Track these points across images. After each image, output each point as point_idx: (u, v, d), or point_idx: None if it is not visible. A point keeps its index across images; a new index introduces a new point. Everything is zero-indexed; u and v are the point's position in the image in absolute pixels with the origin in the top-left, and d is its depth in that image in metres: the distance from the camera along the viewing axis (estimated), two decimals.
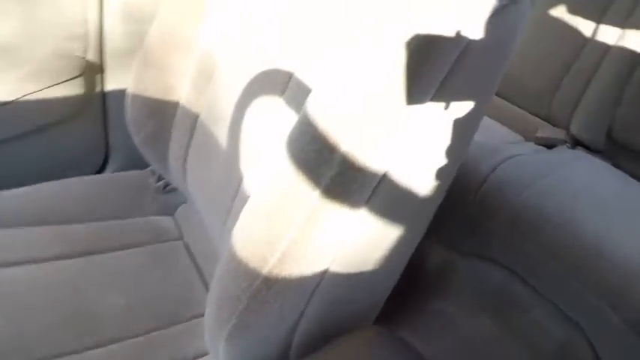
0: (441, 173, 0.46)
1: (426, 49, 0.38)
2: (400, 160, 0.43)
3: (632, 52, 1.05)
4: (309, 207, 0.41)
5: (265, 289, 0.43)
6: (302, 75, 0.53)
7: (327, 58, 0.49)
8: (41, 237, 0.74)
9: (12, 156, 1.00)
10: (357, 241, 0.46)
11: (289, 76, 0.54)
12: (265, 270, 0.43)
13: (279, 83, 0.56)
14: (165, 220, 0.84)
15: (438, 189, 0.47)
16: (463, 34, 0.38)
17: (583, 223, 0.77)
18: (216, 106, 0.70)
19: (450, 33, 0.38)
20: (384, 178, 0.43)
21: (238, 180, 0.60)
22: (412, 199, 0.46)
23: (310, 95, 0.44)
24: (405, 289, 0.62)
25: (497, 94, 1.22)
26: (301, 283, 0.45)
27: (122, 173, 0.96)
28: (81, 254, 0.72)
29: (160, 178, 0.89)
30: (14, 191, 0.82)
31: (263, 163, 0.56)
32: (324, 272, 0.46)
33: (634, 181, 0.97)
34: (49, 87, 0.98)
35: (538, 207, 0.79)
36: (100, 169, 1.12)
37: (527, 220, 0.79)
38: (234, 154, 0.62)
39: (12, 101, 0.95)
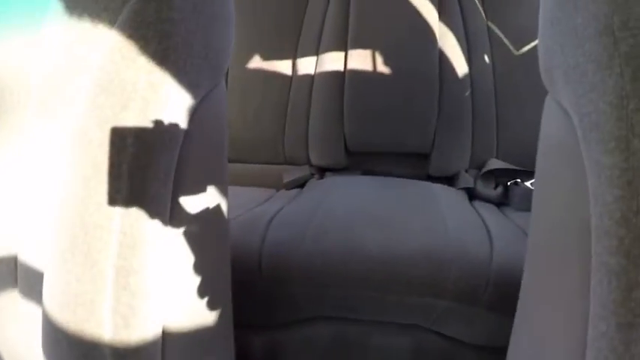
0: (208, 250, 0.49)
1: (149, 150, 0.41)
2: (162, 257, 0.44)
3: (333, 74, 1.17)
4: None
5: None
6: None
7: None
8: None
9: None
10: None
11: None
12: None
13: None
14: None
15: (221, 276, 0.51)
16: (181, 126, 0.42)
17: (362, 240, 0.79)
18: None
19: (165, 128, 0.41)
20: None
21: None
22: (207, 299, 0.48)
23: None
24: None
25: (236, 161, 1.23)
26: None
27: None
28: None
29: None
30: None
31: None
32: None
33: (384, 181, 1.09)
34: None
35: (322, 254, 0.79)
36: None
37: (318, 272, 0.78)
38: None
39: None
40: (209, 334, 0.52)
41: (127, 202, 0.40)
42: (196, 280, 0.48)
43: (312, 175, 1.20)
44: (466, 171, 1.18)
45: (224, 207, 0.52)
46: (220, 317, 0.53)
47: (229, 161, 0.55)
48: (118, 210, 0.40)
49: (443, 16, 1.16)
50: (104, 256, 0.40)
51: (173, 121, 0.42)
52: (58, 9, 0.47)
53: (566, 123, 0.39)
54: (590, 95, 0.35)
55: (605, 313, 0.32)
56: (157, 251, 0.42)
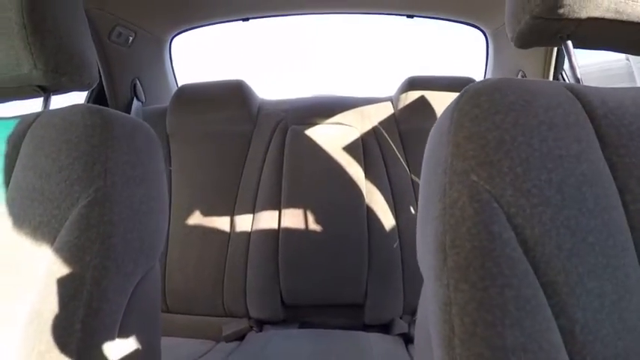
0: None
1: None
2: None
3: (268, 232, 1.24)
4: None
5: None
6: None
7: None
8: None
9: None
10: None
11: None
12: None
13: None
14: None
15: None
16: (119, 311, 0.49)
17: None
18: None
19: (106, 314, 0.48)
20: None
21: None
22: None
23: None
24: None
25: (176, 312, 1.26)
26: None
27: None
28: None
29: None
30: None
31: None
32: None
33: (320, 334, 1.14)
34: None
35: None
36: None
37: None
38: None
39: None
40: None
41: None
42: None
43: (252, 327, 1.22)
44: (400, 317, 1.21)
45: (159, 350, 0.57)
46: None
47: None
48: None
49: (369, 175, 1.27)
50: None
51: (113, 307, 0.49)
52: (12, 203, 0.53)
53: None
54: (431, 299, 0.41)
55: None
56: None
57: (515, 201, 0.37)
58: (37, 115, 0.56)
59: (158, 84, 1.64)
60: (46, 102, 0.61)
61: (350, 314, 1.24)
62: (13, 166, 0.53)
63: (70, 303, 0.48)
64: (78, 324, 0.48)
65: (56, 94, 0.62)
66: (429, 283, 0.41)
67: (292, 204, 1.24)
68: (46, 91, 0.61)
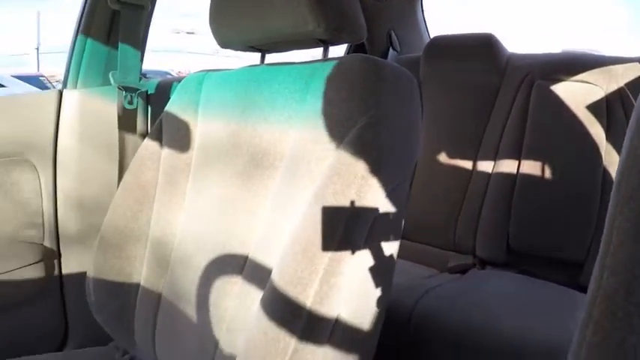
0: (376, 304, 0.62)
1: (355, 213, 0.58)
2: (346, 304, 0.58)
3: (507, 177, 1.30)
4: (290, 345, 0.56)
5: None
6: (255, 256, 0.67)
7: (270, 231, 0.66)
8: None
9: None
10: None
11: (245, 259, 0.69)
12: None
13: (237, 265, 0.69)
14: None
15: (376, 319, 0.62)
16: (376, 207, 0.59)
17: (499, 321, 0.94)
18: (177, 285, 0.80)
19: (367, 208, 0.58)
20: (337, 320, 0.58)
21: (214, 345, 0.69)
22: (358, 336, 0.60)
23: (273, 270, 0.60)
24: None
25: (407, 238, 1.42)
26: None
27: (88, 349, 0.99)
28: None
29: (124, 352, 0.93)
30: None
31: (234, 324, 0.67)
32: None
33: (533, 282, 1.19)
34: (10, 271, 1.06)
35: (464, 324, 0.96)
36: (61, 346, 1.16)
37: (459, 337, 0.95)
38: (204, 324, 0.72)
39: None
40: None
41: (339, 243, 0.58)
42: (355, 307, 0.61)
43: (474, 265, 1.32)
44: None
45: (391, 266, 0.66)
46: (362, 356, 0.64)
47: (402, 237, 0.68)
48: (331, 245, 0.57)
49: (609, 138, 1.23)
50: (319, 263, 0.57)
51: (372, 204, 0.59)
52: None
53: None
54: None
55: None
56: (350, 270, 0.58)
57: None
58: (326, 61, 0.71)
59: (411, 35, 1.78)
60: (325, 52, 0.76)
61: (569, 272, 1.24)
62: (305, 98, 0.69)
63: (343, 192, 0.58)
64: (342, 223, 0.58)
65: (332, 46, 0.77)
66: None
67: (532, 156, 1.28)
68: (325, 43, 0.76)
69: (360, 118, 0.60)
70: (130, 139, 1.15)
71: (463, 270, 1.32)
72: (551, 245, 1.25)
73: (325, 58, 0.75)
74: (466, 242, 1.35)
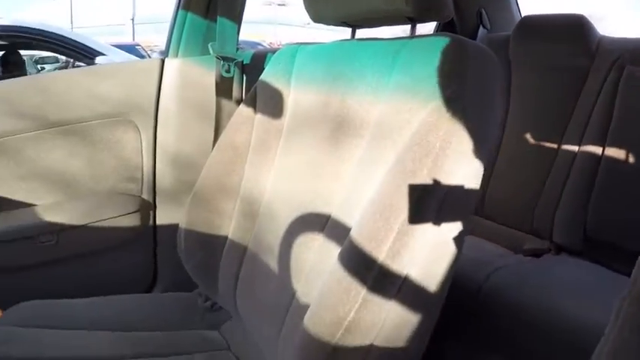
0: (445, 271, 0.64)
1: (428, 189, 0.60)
2: (415, 265, 0.61)
3: (591, 163, 1.25)
4: (360, 294, 0.59)
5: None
6: (337, 215, 0.72)
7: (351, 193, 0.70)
8: (106, 340, 0.86)
9: (82, 270, 1.19)
10: (393, 322, 0.62)
11: (327, 217, 0.73)
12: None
13: (320, 222, 0.74)
14: (212, 334, 0.95)
15: (442, 285, 0.64)
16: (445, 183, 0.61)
17: (564, 305, 0.96)
18: (263, 240, 0.86)
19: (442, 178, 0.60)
20: (406, 278, 0.61)
21: (290, 295, 0.75)
22: (424, 298, 0.63)
23: (352, 228, 0.64)
24: None
25: (486, 217, 1.43)
26: None
27: (173, 294, 1.10)
28: (139, 357, 0.83)
29: (207, 299, 1.01)
30: (85, 300, 0.98)
31: (312, 275, 0.72)
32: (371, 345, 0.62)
33: (608, 273, 1.16)
34: (109, 218, 1.18)
35: (534, 303, 0.98)
36: (149, 289, 1.29)
37: (526, 315, 0.97)
38: (284, 275, 0.78)
39: (80, 225, 1.16)
40: (408, 331, 0.64)
41: (414, 206, 0.60)
42: (424, 270, 0.63)
43: (549, 250, 1.30)
44: None
45: (461, 237, 0.67)
46: (423, 323, 0.65)
47: (480, 215, 0.70)
48: (406, 207, 0.60)
49: None
50: (394, 223, 0.59)
51: (447, 175, 0.61)
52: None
53: None
54: None
55: None
56: (422, 234, 0.60)
57: None
58: (412, 38, 0.74)
59: (502, 13, 1.73)
60: (413, 29, 0.78)
61: None
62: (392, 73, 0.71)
63: (421, 160, 0.60)
64: (418, 188, 0.60)
65: (420, 23, 0.78)
66: None
67: (618, 144, 1.23)
68: (413, 21, 0.77)
69: (442, 93, 0.63)
70: (226, 104, 1.24)
71: (538, 254, 1.30)
72: (630, 237, 1.20)
73: (412, 35, 0.77)
74: (544, 226, 1.33)
